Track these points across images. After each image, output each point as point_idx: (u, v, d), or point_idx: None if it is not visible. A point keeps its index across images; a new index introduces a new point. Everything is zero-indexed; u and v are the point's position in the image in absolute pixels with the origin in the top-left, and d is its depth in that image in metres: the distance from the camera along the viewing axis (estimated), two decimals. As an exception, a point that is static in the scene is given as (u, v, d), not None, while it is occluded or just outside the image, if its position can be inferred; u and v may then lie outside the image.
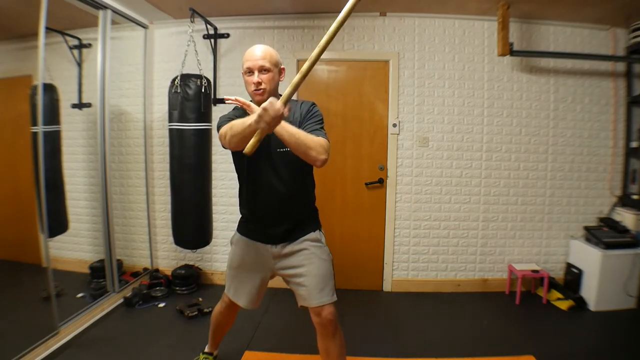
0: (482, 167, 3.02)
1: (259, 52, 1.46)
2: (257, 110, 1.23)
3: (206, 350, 1.98)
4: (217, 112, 2.99)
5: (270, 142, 1.42)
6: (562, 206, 3.06)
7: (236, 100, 1.40)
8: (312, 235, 1.59)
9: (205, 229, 2.67)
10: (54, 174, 2.60)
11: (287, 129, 1.32)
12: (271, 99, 1.16)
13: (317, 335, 1.58)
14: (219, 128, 1.46)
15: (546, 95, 2.99)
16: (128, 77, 3.04)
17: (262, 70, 1.45)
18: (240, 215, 1.67)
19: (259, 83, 1.44)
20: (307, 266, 1.55)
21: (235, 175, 1.62)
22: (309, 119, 1.50)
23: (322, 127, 1.49)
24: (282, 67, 1.54)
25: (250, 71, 1.46)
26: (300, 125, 1.48)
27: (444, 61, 2.97)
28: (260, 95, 1.46)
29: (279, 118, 1.17)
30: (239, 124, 1.28)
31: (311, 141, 1.35)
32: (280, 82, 1.55)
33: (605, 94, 3.00)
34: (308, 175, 1.60)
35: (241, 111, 1.52)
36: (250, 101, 1.58)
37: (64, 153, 2.74)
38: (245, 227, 1.65)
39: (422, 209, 3.05)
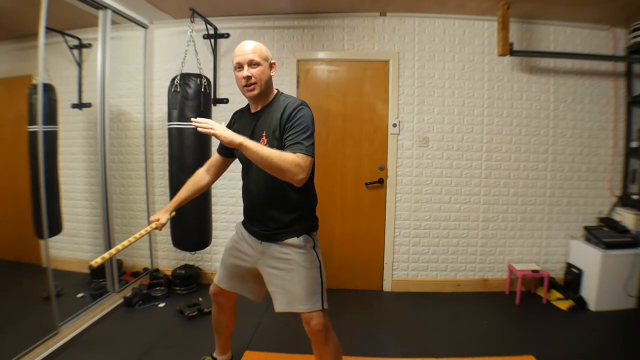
0: (482, 167, 3.02)
1: (248, 47, 1.44)
2: (220, 130, 1.25)
3: (214, 354, 1.96)
4: (217, 112, 3.00)
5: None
6: (562, 206, 3.06)
7: (193, 122, 1.29)
8: (293, 240, 1.51)
9: (205, 230, 2.66)
10: (50, 175, 2.59)
11: (258, 153, 1.26)
12: None
13: (311, 342, 1.57)
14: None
15: (546, 95, 2.99)
16: (128, 77, 3.04)
17: (252, 64, 1.42)
18: None
19: (249, 77, 1.41)
20: (289, 272, 1.51)
21: (234, 175, 1.68)
22: (291, 128, 1.38)
23: (305, 137, 1.36)
24: (272, 61, 1.51)
25: (240, 66, 1.43)
26: (281, 130, 1.41)
27: (444, 61, 2.97)
28: (251, 90, 1.44)
29: None
30: None
31: (285, 162, 1.27)
32: (272, 77, 1.51)
33: (605, 94, 3.00)
34: (291, 184, 1.41)
35: (235, 117, 1.61)
36: (243, 109, 1.61)
37: (65, 153, 2.74)
38: (243, 217, 1.69)
39: (422, 209, 3.05)
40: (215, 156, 1.70)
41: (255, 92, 1.44)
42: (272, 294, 1.57)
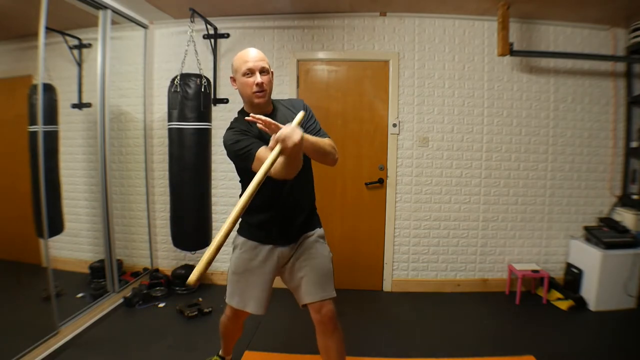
0: (482, 167, 3.02)
1: (257, 54, 1.44)
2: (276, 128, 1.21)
3: (220, 354, 1.96)
4: (217, 112, 2.99)
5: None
6: (562, 206, 3.06)
7: (257, 119, 1.24)
8: (318, 231, 1.63)
9: (205, 230, 2.66)
10: (51, 175, 2.59)
11: (310, 140, 1.34)
12: (290, 128, 1.17)
13: (317, 333, 1.57)
14: (249, 157, 1.34)
15: (546, 95, 2.99)
16: (128, 77, 3.04)
17: (263, 71, 1.43)
18: (245, 219, 1.57)
19: (262, 84, 1.42)
20: (311, 260, 1.56)
21: (235, 175, 1.58)
22: (307, 121, 1.51)
23: (320, 126, 1.54)
24: (272, 70, 1.53)
25: (250, 72, 1.42)
26: (300, 125, 1.46)
27: (444, 61, 2.97)
28: (261, 97, 1.44)
29: (299, 147, 1.18)
30: (264, 167, 1.16)
31: (328, 146, 1.43)
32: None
33: (605, 94, 3.00)
34: (310, 171, 1.62)
35: (245, 125, 1.42)
36: (243, 122, 1.47)
37: (64, 153, 2.74)
38: (254, 231, 1.57)
39: (422, 209, 3.05)
40: (261, 151, 1.34)
41: (265, 99, 1.46)
42: (295, 290, 1.58)
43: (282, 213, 1.54)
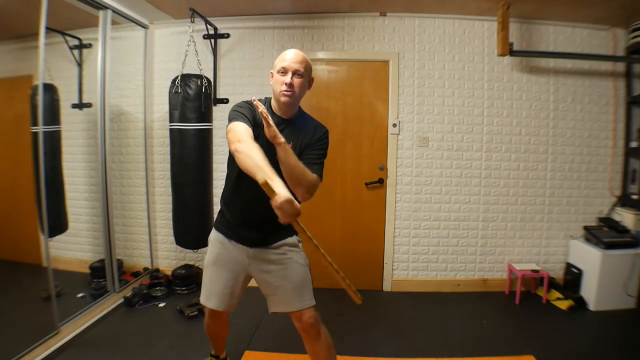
0: (482, 167, 3.02)
1: (297, 56, 1.46)
2: (273, 132, 1.29)
3: (213, 353, 1.96)
4: (218, 112, 2.99)
5: (268, 149, 1.33)
6: (562, 206, 3.06)
7: (259, 109, 1.29)
8: (289, 240, 1.57)
9: (207, 229, 2.66)
10: (54, 174, 2.60)
11: (290, 158, 1.33)
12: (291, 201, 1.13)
13: (303, 339, 1.58)
14: (230, 120, 1.40)
15: (546, 95, 2.99)
16: (128, 77, 3.04)
17: (296, 73, 1.45)
18: (220, 212, 1.63)
19: (291, 85, 1.43)
20: (285, 271, 1.53)
21: None
22: (316, 148, 1.50)
23: (322, 161, 1.51)
24: (312, 77, 1.53)
25: (284, 71, 1.44)
26: (306, 146, 1.49)
27: (444, 61, 2.97)
28: (287, 97, 1.45)
29: (294, 217, 1.17)
30: (251, 163, 1.20)
31: (305, 179, 1.37)
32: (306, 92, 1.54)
33: (605, 94, 3.00)
34: None
35: (254, 109, 1.46)
36: (265, 106, 1.51)
37: (64, 153, 2.74)
38: (222, 225, 1.60)
39: (422, 209, 3.05)
40: (248, 128, 1.37)
41: (290, 100, 1.46)
42: (269, 296, 1.58)
43: (250, 223, 1.53)
